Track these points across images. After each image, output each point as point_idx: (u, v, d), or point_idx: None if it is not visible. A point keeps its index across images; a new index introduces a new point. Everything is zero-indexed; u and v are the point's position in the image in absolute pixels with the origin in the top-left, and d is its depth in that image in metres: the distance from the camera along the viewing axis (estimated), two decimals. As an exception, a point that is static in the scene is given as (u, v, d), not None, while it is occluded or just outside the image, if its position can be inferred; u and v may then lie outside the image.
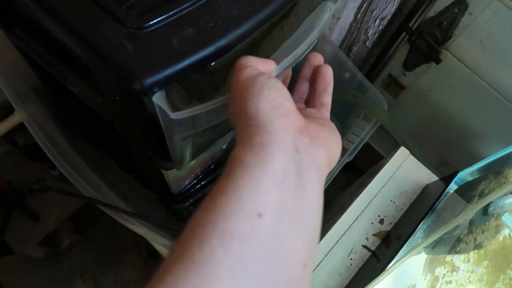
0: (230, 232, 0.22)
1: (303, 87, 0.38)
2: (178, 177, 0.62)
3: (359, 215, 0.59)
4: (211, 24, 0.34)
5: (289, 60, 0.34)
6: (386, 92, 0.98)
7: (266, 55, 0.34)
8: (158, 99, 0.32)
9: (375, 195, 0.61)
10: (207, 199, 0.24)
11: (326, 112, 0.36)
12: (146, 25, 0.32)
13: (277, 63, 0.33)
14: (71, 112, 0.74)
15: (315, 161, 0.27)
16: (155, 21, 0.33)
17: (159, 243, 0.69)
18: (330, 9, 0.38)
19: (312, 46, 0.37)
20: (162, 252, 0.76)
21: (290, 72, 0.39)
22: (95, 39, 0.32)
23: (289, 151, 0.26)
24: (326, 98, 0.36)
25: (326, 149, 0.28)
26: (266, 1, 0.35)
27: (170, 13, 0.33)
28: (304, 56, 0.37)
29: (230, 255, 0.21)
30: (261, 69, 0.31)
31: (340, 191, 0.97)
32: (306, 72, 0.38)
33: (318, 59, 0.37)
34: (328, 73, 0.37)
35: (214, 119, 0.37)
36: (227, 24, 0.34)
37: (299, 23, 0.38)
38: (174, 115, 0.32)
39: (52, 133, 0.74)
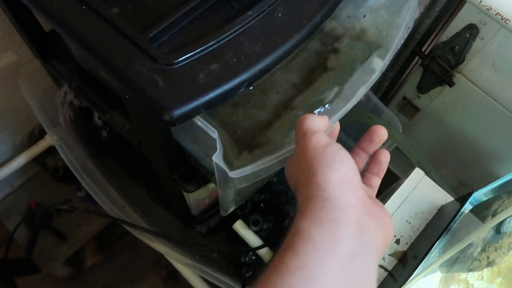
0: None
1: (358, 158, 0.37)
2: (198, 199, 0.65)
3: (376, 235, 0.60)
4: (235, 60, 0.37)
5: (339, 115, 0.37)
6: (401, 114, 1.00)
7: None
8: (217, 158, 0.35)
9: (391, 216, 0.62)
10: (273, 272, 0.24)
11: (373, 194, 0.36)
12: (176, 61, 0.36)
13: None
14: (98, 136, 0.78)
15: (375, 244, 0.27)
16: (183, 57, 0.36)
17: (181, 261, 0.72)
18: (377, 64, 0.41)
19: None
20: (183, 272, 0.78)
21: (338, 125, 0.40)
22: (130, 74, 0.36)
23: (355, 231, 0.26)
24: (376, 181, 0.36)
25: (385, 232, 0.28)
26: (285, 38, 0.39)
27: (197, 50, 0.37)
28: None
29: None
30: (322, 126, 0.32)
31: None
32: (365, 144, 0.37)
33: (381, 136, 0.37)
34: (384, 161, 0.36)
35: (267, 172, 0.39)
36: (249, 59, 0.37)
37: (340, 73, 0.42)
38: (233, 174, 0.35)
39: (80, 156, 0.78)
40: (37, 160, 0.88)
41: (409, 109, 0.97)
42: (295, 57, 0.50)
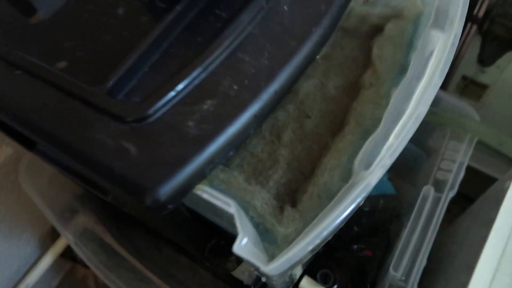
0: None
1: None
2: (247, 269, 0.52)
3: (496, 270, 0.44)
4: (235, 87, 0.25)
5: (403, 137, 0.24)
6: (464, 98, 0.83)
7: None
8: (241, 249, 0.23)
9: (509, 236, 0.46)
10: None
11: None
12: (149, 113, 0.24)
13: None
14: (118, 211, 0.68)
15: None
16: (159, 104, 0.24)
17: None
18: (437, 38, 0.28)
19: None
20: None
21: None
22: (88, 149, 0.24)
23: None
24: None
25: None
26: (302, 37, 0.26)
27: (178, 88, 0.25)
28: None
29: None
30: None
31: (445, 225, 0.80)
32: None
33: None
34: None
35: (329, 235, 0.26)
36: (257, 80, 0.25)
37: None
38: (270, 270, 0.22)
39: (107, 240, 0.69)
40: (66, 254, 0.79)
41: (473, 89, 0.80)
42: (326, 62, 0.37)
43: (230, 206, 0.23)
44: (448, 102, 0.64)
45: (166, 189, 0.22)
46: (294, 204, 0.34)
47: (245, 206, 0.31)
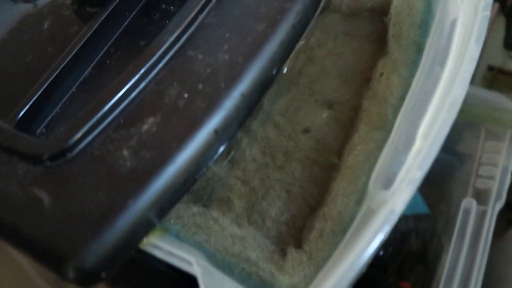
0: None
1: None
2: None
3: None
4: (186, 95, 0.19)
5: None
6: (493, 92, 0.76)
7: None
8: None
9: None
10: None
11: None
12: (68, 145, 0.18)
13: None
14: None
15: None
16: (81, 132, 0.18)
17: None
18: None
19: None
20: None
21: None
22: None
23: None
24: None
25: None
26: (272, 20, 0.20)
27: (106, 107, 0.19)
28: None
29: None
30: None
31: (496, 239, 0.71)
32: None
33: None
34: None
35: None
36: (215, 83, 0.19)
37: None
38: None
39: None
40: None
41: (503, 79, 0.74)
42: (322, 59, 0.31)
43: (191, 264, 0.17)
44: (476, 96, 0.57)
45: (94, 254, 0.16)
46: (299, 244, 0.28)
47: (231, 262, 0.25)
